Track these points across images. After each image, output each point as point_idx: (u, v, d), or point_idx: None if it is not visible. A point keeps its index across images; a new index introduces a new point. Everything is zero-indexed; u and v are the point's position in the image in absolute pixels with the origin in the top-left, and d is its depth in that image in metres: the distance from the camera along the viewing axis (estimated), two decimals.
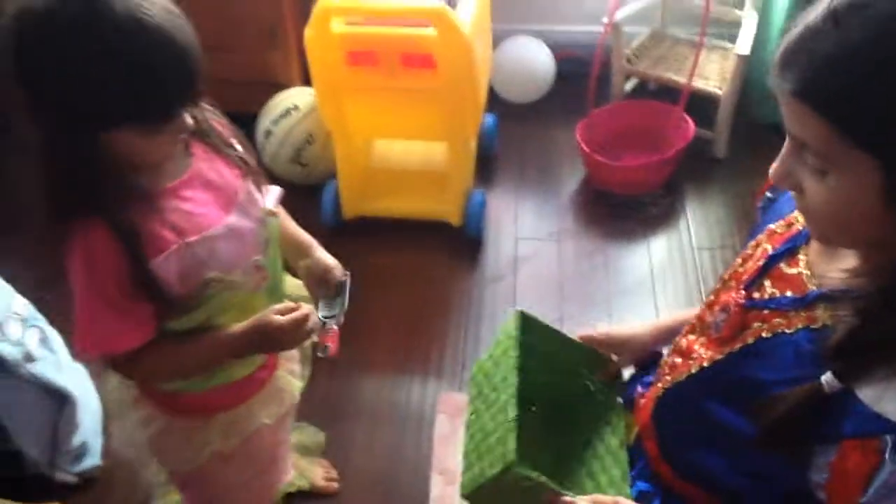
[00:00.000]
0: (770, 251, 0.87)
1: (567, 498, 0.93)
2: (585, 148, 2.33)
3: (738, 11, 2.39)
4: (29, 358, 1.66)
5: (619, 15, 2.35)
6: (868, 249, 0.76)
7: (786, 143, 0.73)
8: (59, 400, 1.72)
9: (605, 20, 2.31)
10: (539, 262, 2.23)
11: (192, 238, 1.04)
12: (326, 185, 2.27)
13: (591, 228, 2.33)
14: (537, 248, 2.27)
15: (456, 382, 1.95)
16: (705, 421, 0.91)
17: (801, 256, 0.84)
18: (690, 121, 2.35)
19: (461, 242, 2.26)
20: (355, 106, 2.11)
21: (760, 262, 0.87)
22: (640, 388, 1.09)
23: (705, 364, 0.91)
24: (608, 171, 2.34)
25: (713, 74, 2.43)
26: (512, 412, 0.98)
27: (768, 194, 0.99)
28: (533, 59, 2.65)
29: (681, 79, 2.38)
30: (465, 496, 1.06)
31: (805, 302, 0.80)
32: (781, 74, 0.69)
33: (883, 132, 0.65)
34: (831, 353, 0.73)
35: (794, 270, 0.83)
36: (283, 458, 1.54)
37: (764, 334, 0.83)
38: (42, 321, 1.71)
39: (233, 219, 1.11)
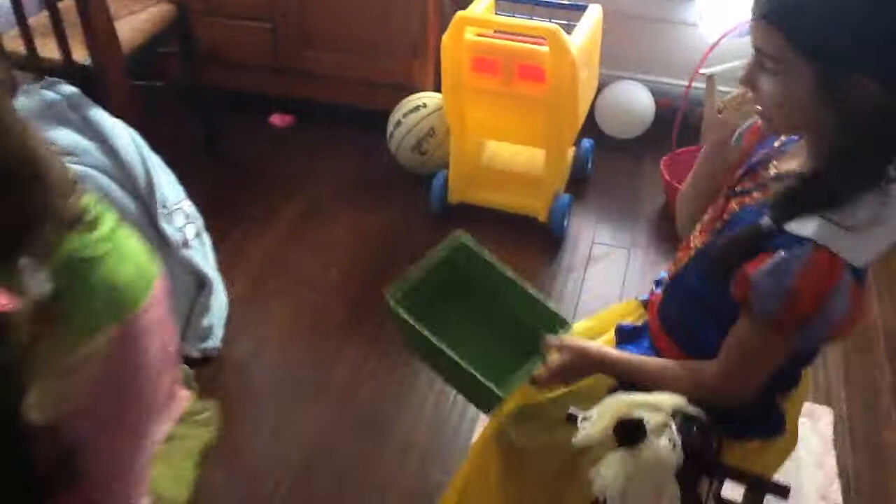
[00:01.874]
0: (750, 162, 1.20)
1: (541, 372, 1.27)
2: (667, 177, 2.65)
3: None
4: (185, 245, 2.10)
5: (714, 70, 2.67)
6: (810, 140, 1.08)
7: (750, 57, 1.06)
8: (200, 284, 2.16)
9: (703, 71, 2.64)
10: (608, 264, 2.55)
11: None
12: (438, 172, 2.68)
13: (662, 246, 2.63)
14: (609, 252, 2.59)
15: None
16: (700, 298, 1.22)
17: (774, 163, 1.16)
18: None
19: (545, 237, 2.60)
20: (474, 107, 2.51)
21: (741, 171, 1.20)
22: (654, 288, 1.41)
23: (698, 246, 1.23)
24: None
25: None
26: (474, 373, 1.28)
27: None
28: (635, 101, 3.01)
29: None
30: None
31: (764, 183, 1.12)
32: (756, 5, 1.02)
33: (817, 44, 0.97)
34: (772, 203, 1.05)
35: (765, 172, 1.15)
36: None
37: (735, 207, 1.15)
38: (200, 221, 2.16)
39: None
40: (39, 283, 1.14)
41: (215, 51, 2.97)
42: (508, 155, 2.77)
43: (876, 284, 2.48)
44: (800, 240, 1.01)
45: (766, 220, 1.04)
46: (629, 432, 1.04)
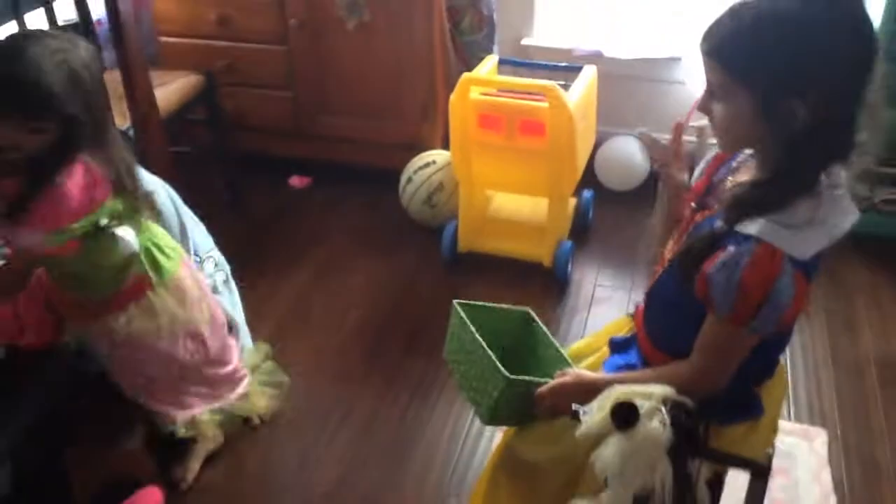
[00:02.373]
0: (713, 181, 1.37)
1: (543, 388, 1.41)
2: None
3: None
4: (215, 290, 2.27)
5: (704, 121, 2.88)
6: (757, 156, 1.25)
7: (704, 89, 1.24)
8: (227, 328, 2.31)
9: (693, 124, 2.84)
10: (611, 305, 2.70)
11: None
12: (448, 223, 2.86)
13: None
14: (611, 295, 2.74)
15: None
16: (675, 305, 1.37)
17: (730, 179, 1.33)
18: None
19: (550, 282, 2.76)
20: (480, 161, 2.70)
21: (705, 186, 1.37)
22: (640, 302, 1.56)
23: (670, 258, 1.39)
24: None
25: None
26: (491, 354, 1.45)
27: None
28: (631, 156, 3.20)
29: None
30: (487, 423, 1.55)
31: (722, 197, 1.29)
32: (702, 45, 1.21)
33: (750, 74, 1.16)
34: (724, 209, 1.22)
35: (723, 187, 1.33)
36: None
37: (699, 219, 1.32)
38: (228, 269, 2.33)
39: None
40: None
41: (239, 117, 3.19)
42: (513, 206, 2.96)
43: (867, 318, 2.62)
44: (747, 237, 1.18)
45: (718, 223, 1.21)
46: (624, 415, 1.18)
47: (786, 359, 2.39)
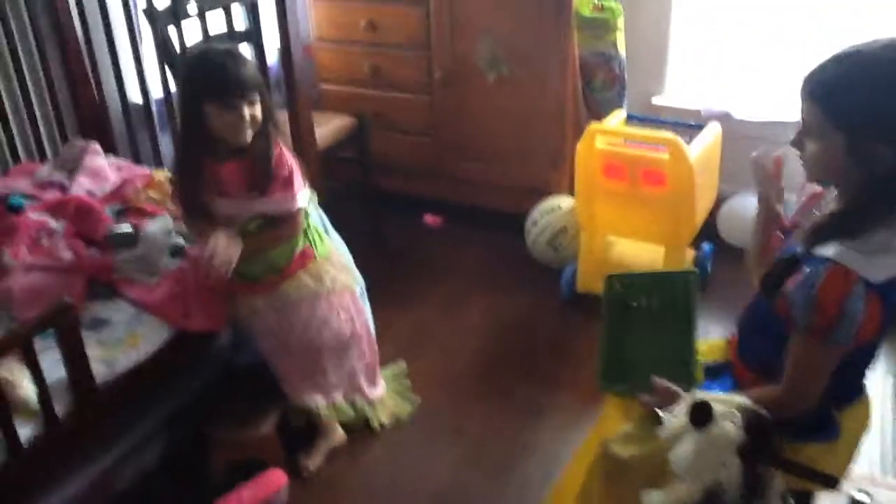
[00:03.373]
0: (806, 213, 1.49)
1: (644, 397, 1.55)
2: None
3: None
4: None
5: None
6: (840, 189, 1.37)
7: (799, 127, 1.38)
8: None
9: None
10: None
11: None
12: (568, 265, 3.01)
13: None
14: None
15: None
16: (765, 326, 1.49)
17: (815, 211, 1.45)
18: None
19: None
20: (603, 207, 2.86)
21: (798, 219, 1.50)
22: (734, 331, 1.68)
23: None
24: None
25: None
26: (606, 350, 1.71)
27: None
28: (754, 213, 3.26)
29: None
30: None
31: (803, 225, 1.41)
32: (803, 86, 1.35)
33: (843, 118, 1.29)
34: (804, 235, 1.34)
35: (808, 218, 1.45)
36: None
37: (783, 246, 1.44)
38: (364, 284, 2.58)
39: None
40: None
41: (383, 157, 3.50)
42: (632, 252, 3.08)
43: None
44: (823, 259, 1.30)
45: (799, 248, 1.33)
46: (700, 414, 1.31)
47: (883, 415, 2.38)
